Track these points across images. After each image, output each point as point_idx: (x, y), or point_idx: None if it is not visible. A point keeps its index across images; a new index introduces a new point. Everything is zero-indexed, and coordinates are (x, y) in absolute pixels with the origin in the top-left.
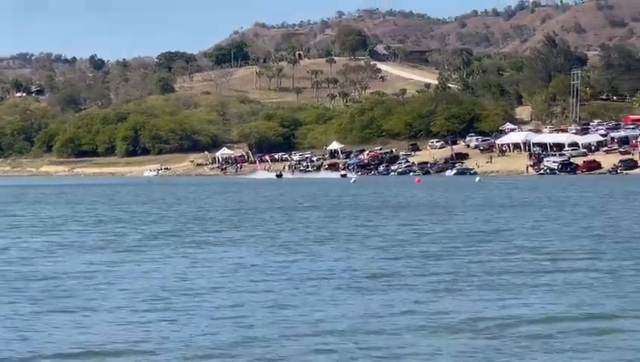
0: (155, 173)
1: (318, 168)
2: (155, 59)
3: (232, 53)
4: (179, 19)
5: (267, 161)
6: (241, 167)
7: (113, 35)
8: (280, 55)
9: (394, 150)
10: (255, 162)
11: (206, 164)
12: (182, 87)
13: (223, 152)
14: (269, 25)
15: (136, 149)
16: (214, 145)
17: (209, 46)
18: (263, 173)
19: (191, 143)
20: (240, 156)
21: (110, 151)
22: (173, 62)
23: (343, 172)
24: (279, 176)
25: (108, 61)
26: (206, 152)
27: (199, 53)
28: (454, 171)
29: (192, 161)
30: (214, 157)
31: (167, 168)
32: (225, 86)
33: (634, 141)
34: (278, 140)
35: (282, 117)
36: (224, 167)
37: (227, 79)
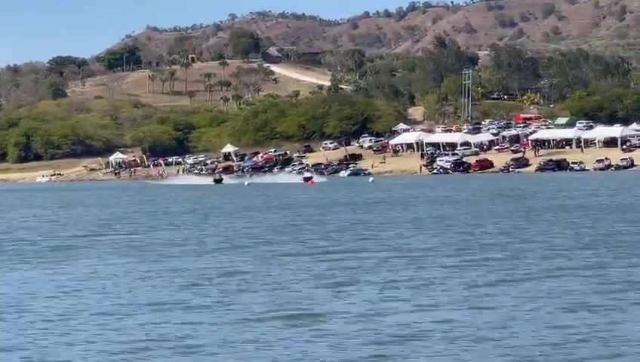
0: (47, 178)
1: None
2: (47, 64)
3: (124, 57)
4: (70, 24)
5: (161, 164)
6: (135, 172)
7: (2, 40)
8: (173, 58)
9: (288, 152)
10: (149, 166)
11: (99, 169)
12: (74, 91)
13: (117, 157)
14: (161, 28)
15: (28, 155)
16: (107, 149)
17: (101, 50)
18: (185, 178)
19: (84, 148)
20: (133, 160)
21: (1, 157)
22: (65, 67)
23: (307, 174)
24: (218, 180)
25: None
26: (99, 157)
27: (91, 57)
28: (348, 172)
29: (85, 166)
30: (107, 162)
31: (59, 174)
32: (117, 90)
33: (525, 140)
34: (172, 144)
35: (175, 120)
36: (117, 171)
37: (119, 83)
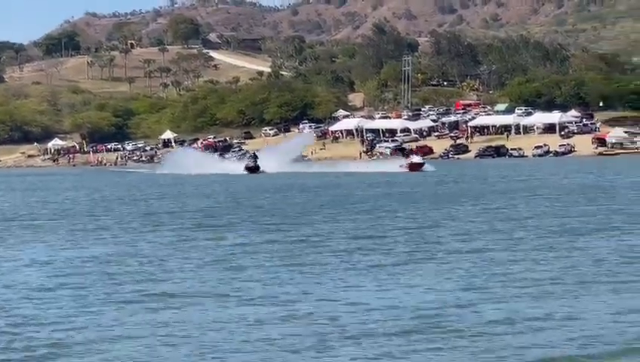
0: None
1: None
2: None
3: (63, 43)
4: (7, 8)
5: (101, 151)
6: (73, 158)
7: None
8: (112, 44)
9: (227, 138)
10: (89, 152)
11: (37, 156)
12: (11, 77)
13: (55, 143)
14: (100, 14)
15: None
16: (46, 136)
17: (39, 36)
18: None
19: (22, 134)
20: (72, 146)
21: None
22: (2, 52)
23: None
24: (254, 169)
25: None
26: (36, 143)
27: (29, 43)
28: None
29: (23, 153)
30: (46, 149)
31: None
32: (56, 76)
33: (464, 126)
34: (111, 130)
35: (115, 107)
36: (56, 158)
37: (58, 69)
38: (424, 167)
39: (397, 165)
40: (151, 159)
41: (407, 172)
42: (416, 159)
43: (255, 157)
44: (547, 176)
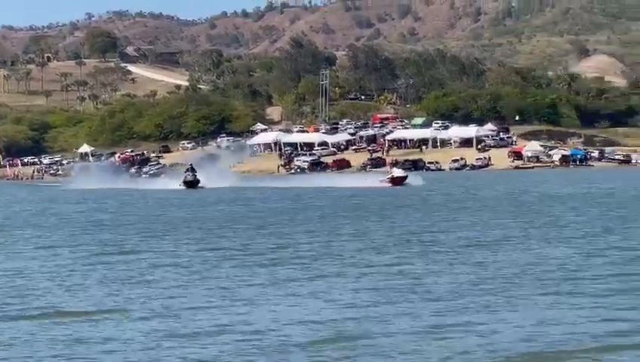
0: None
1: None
2: None
3: None
4: None
5: (17, 165)
6: None
7: None
8: (28, 58)
9: (145, 152)
10: (5, 166)
11: None
12: None
13: None
14: (16, 27)
15: None
16: None
17: None
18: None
19: None
20: None
21: None
22: None
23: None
24: (193, 183)
25: None
26: None
27: None
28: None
29: None
30: None
31: None
32: None
33: (381, 139)
34: (28, 144)
35: (31, 120)
36: None
37: None
38: (408, 181)
39: (376, 179)
40: (68, 173)
41: (390, 186)
42: (398, 172)
43: (193, 170)
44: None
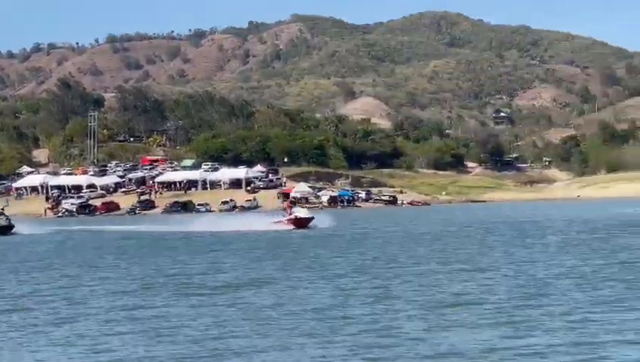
0: None
1: None
2: None
3: None
4: None
5: None
6: None
7: None
8: None
9: None
10: None
11: None
12: None
13: None
14: None
15: None
16: None
17: None
18: None
19: None
20: None
21: None
22: None
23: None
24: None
25: None
26: None
27: None
28: None
29: None
30: None
31: None
32: None
33: (151, 181)
34: None
35: None
36: None
37: None
38: (312, 223)
39: (267, 221)
40: None
41: (292, 229)
42: (301, 213)
43: (4, 214)
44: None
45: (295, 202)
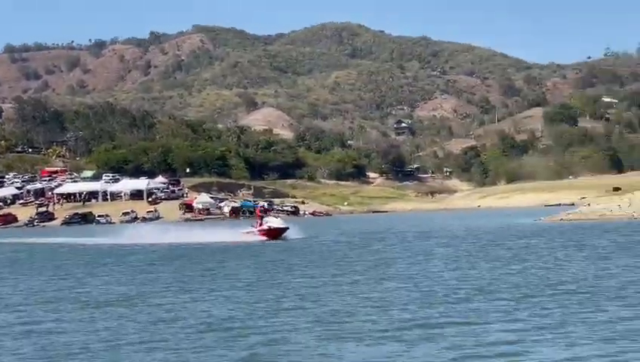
0: None
1: None
2: None
3: None
4: None
5: None
6: None
7: None
8: None
9: None
10: None
11: None
12: None
13: None
14: None
15: None
16: None
17: None
18: None
19: None
20: None
21: None
22: None
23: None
24: None
25: None
26: None
27: None
28: None
29: None
30: None
31: None
32: None
33: (50, 193)
34: None
35: None
36: None
37: None
38: (286, 234)
39: (236, 232)
40: None
41: (265, 240)
42: (275, 222)
43: None
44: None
45: (266, 210)
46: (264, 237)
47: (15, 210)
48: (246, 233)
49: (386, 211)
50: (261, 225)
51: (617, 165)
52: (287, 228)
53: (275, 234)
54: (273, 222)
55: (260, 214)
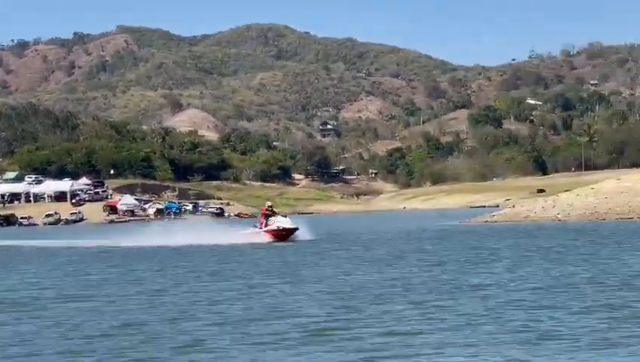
0: None
1: None
2: None
3: None
4: None
5: None
6: None
7: None
8: None
9: None
10: None
11: None
12: None
13: None
14: None
15: None
16: None
17: None
18: None
19: None
20: None
21: None
22: None
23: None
24: None
25: None
26: None
27: None
28: None
29: None
30: None
31: None
32: None
33: None
34: None
35: None
36: None
37: None
38: (296, 234)
39: (237, 232)
40: None
41: (271, 241)
42: (285, 223)
43: None
44: None
45: (272, 209)
46: (271, 238)
47: None
48: (249, 234)
49: (312, 213)
50: (267, 225)
51: (542, 167)
52: (297, 229)
53: (285, 235)
54: (283, 222)
55: (265, 213)
